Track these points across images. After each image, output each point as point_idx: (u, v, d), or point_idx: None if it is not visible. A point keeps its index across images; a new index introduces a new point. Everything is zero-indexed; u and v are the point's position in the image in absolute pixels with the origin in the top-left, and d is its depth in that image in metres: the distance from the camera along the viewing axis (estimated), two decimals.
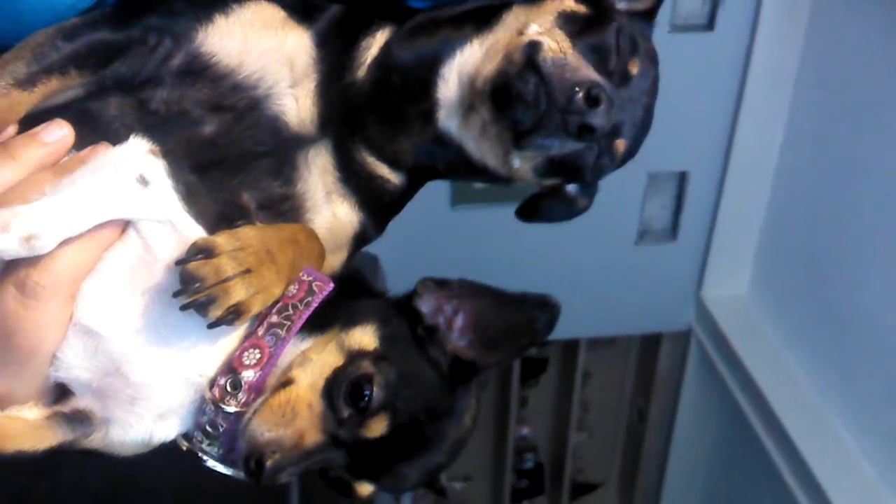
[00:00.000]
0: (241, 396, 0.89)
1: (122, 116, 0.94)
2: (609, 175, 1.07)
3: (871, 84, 2.59)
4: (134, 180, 0.86)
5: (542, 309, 0.95)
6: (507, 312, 0.96)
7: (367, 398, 0.89)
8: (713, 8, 2.91)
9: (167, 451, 0.95)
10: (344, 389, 0.89)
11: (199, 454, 0.93)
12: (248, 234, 0.88)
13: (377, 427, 0.89)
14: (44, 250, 0.83)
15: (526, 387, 4.45)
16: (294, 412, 0.88)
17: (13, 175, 0.88)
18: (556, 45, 0.96)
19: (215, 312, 0.83)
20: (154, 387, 0.90)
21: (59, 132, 0.90)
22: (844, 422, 2.79)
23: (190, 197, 0.89)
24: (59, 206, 0.84)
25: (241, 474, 0.93)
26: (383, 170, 1.04)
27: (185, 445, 0.94)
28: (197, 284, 0.82)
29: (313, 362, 0.91)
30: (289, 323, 0.90)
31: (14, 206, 0.83)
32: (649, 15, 1.09)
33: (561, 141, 0.96)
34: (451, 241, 3.10)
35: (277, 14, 1.00)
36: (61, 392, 0.93)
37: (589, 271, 3.31)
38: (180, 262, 0.83)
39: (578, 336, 3.91)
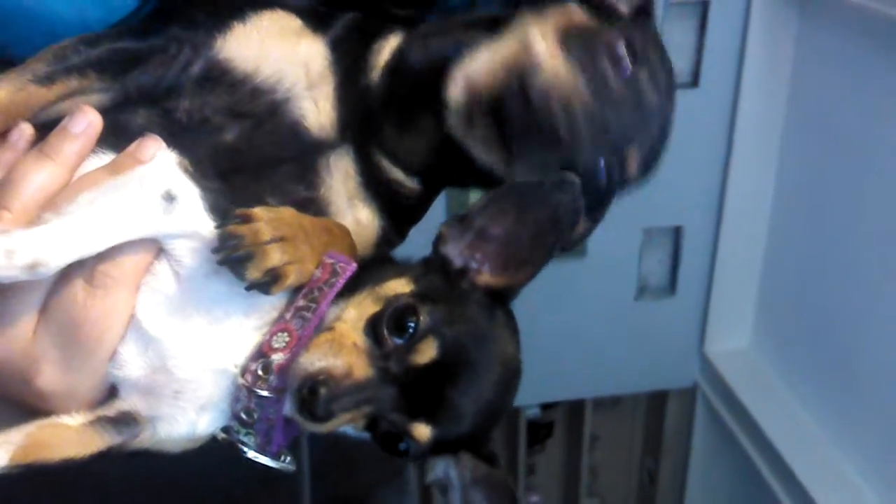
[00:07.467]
0: (273, 380, 0.90)
1: (149, 126, 0.97)
2: (605, 231, 1.05)
3: (859, 128, 2.61)
4: (159, 197, 0.87)
5: (561, 190, 0.91)
6: (531, 215, 0.93)
7: (412, 326, 0.88)
8: (696, 65, 2.95)
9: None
10: (387, 321, 0.89)
11: (238, 445, 0.93)
12: (285, 211, 0.91)
13: (426, 350, 0.88)
14: (48, 275, 0.84)
15: (533, 453, 4.39)
16: (340, 347, 0.87)
17: (59, 176, 0.89)
18: (555, 64, 0.96)
19: (253, 273, 0.85)
20: (195, 380, 0.91)
21: (84, 120, 0.92)
22: (858, 468, 2.74)
23: (219, 208, 0.90)
24: (66, 230, 0.84)
25: (283, 465, 0.94)
26: (398, 174, 1.06)
27: (221, 437, 0.94)
28: (234, 242, 0.84)
29: (352, 313, 0.91)
30: (314, 305, 0.91)
31: (13, 232, 0.83)
32: (646, 12, 1.06)
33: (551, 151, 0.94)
34: None
35: (293, 22, 1.03)
36: (106, 396, 0.94)
37: (590, 330, 3.28)
38: (219, 226, 0.85)
39: (584, 397, 3.87)
